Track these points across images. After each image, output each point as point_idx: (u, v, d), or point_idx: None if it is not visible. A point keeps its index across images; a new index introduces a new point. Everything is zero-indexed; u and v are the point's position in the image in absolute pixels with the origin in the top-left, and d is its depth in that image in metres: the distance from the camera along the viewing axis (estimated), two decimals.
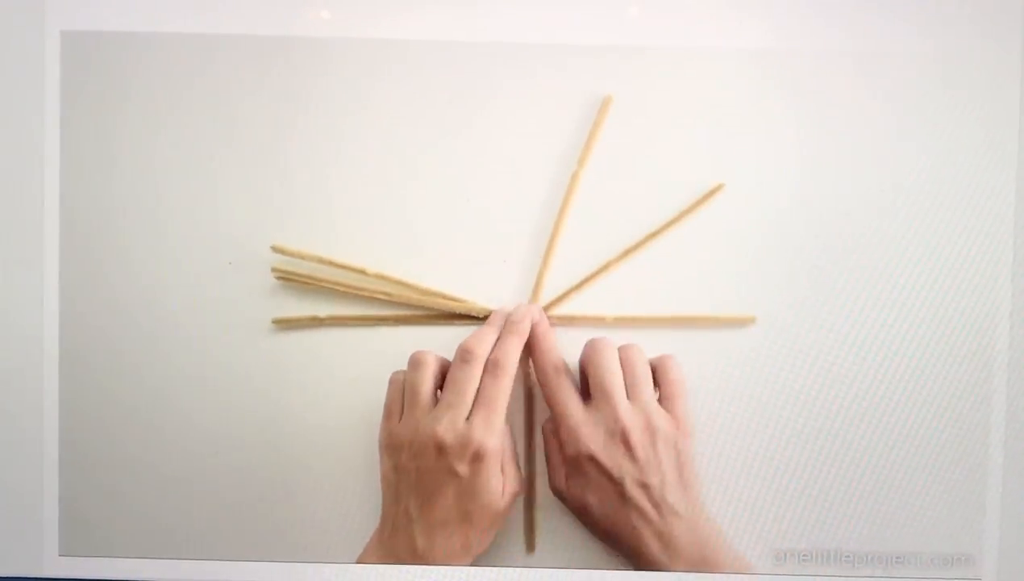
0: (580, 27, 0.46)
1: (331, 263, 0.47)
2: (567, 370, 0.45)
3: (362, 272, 0.47)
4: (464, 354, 0.44)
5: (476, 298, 0.47)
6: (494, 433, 0.43)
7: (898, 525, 0.46)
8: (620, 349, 0.45)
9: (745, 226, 0.46)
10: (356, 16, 0.46)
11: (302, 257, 0.47)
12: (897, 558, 0.46)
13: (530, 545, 0.47)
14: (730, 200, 0.46)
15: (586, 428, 0.43)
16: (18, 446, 0.47)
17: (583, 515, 0.44)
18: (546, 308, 0.47)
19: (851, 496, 0.46)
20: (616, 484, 0.43)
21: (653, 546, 0.43)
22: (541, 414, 0.47)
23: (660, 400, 0.44)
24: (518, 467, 0.45)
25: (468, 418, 0.43)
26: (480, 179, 0.47)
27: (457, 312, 0.47)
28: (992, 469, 0.46)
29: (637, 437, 0.43)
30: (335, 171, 0.47)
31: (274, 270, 0.47)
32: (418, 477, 0.43)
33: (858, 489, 0.46)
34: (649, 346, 0.46)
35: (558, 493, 0.45)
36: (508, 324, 0.45)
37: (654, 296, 0.47)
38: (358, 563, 0.46)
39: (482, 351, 0.44)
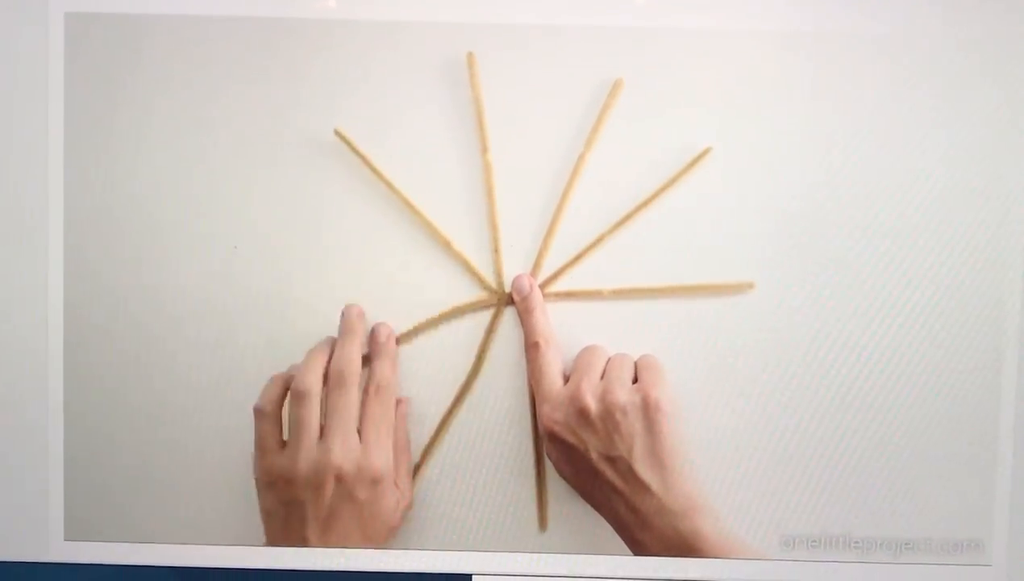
0: (589, 7, 0.46)
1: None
2: (552, 348, 0.45)
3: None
4: (338, 378, 0.44)
5: (479, 281, 0.47)
6: (387, 453, 0.44)
7: (907, 510, 0.46)
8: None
9: (746, 199, 0.46)
10: None
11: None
12: (906, 544, 0.46)
13: (542, 522, 0.47)
14: (734, 176, 0.46)
15: (552, 402, 0.44)
16: (24, 433, 0.47)
17: (572, 486, 0.45)
18: (543, 286, 0.47)
19: (860, 481, 0.46)
20: (584, 457, 0.43)
21: (629, 520, 0.43)
22: None
23: (636, 382, 0.44)
24: (411, 479, 0.46)
25: (360, 441, 0.44)
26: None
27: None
28: (1002, 454, 0.45)
29: (597, 409, 0.43)
30: (339, 151, 0.47)
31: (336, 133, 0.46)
32: (314, 507, 0.43)
33: (867, 474, 0.46)
34: (648, 317, 0.46)
35: (552, 462, 0.45)
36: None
37: (653, 268, 0.46)
38: None
39: (353, 370, 0.44)
